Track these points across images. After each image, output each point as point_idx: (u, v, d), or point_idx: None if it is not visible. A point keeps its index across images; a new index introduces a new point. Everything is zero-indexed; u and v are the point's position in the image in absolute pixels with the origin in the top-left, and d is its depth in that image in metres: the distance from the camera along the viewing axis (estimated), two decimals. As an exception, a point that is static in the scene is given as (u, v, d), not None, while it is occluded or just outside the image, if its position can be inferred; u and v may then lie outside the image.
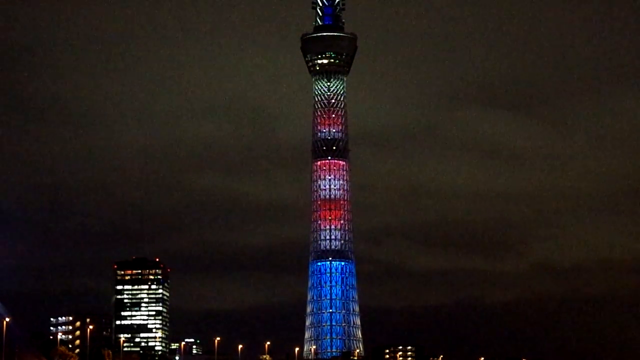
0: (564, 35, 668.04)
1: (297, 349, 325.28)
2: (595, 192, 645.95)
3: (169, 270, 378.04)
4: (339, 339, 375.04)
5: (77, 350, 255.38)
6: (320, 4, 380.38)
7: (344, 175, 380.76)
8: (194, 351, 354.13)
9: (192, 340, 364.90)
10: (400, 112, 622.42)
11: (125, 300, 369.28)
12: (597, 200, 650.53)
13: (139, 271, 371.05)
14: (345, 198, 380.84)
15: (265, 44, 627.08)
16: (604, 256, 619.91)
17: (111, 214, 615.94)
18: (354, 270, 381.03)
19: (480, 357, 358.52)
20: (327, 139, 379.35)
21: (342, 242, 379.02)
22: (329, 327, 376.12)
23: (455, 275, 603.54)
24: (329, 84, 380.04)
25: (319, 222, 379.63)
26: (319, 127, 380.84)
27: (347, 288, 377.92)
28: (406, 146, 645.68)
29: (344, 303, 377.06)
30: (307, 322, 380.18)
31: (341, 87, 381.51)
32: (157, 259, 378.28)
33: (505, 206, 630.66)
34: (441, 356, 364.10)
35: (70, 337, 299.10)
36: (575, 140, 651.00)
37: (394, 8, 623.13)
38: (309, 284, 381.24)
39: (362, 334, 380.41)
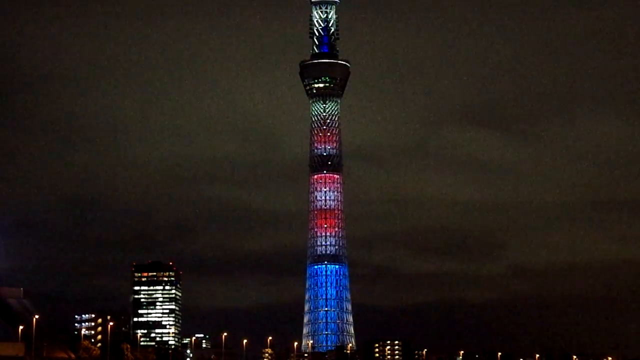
0: (538, 63, 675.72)
1: (295, 344, 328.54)
2: (564, 202, 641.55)
3: (181, 272, 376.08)
4: (334, 334, 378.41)
5: (99, 345, 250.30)
6: (317, 34, 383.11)
7: (338, 188, 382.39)
8: (204, 345, 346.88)
9: (202, 335, 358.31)
10: (390, 131, 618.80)
11: (142, 300, 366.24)
12: (567, 210, 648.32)
13: (154, 273, 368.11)
14: (340, 208, 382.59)
15: (268, 70, 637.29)
16: (572, 260, 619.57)
17: (130, 221, 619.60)
18: (347, 273, 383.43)
19: (460, 351, 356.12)
20: (323, 155, 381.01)
21: (337, 247, 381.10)
22: (324, 323, 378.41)
23: (439, 277, 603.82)
24: (324, 105, 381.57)
25: (316, 229, 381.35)
26: (315, 145, 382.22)
27: (341, 289, 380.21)
28: (395, 161, 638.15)
29: (338, 302, 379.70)
30: (305, 320, 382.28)
31: (335, 109, 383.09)
32: (171, 263, 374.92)
33: (484, 215, 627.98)
34: (425, 350, 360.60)
35: (92, 332, 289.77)
36: (547, 156, 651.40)
37: (383, 38, 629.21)
38: (307, 285, 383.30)
39: (354, 330, 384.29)
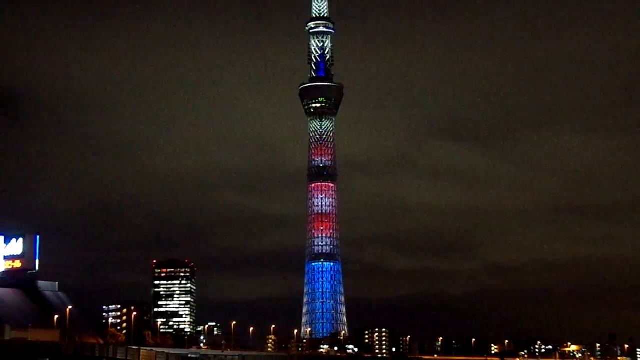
0: (511, 84, 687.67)
1: (296, 331, 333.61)
2: (532, 208, 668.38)
3: (196, 269, 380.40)
4: (329, 323, 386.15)
5: (124, 332, 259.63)
6: (315, 60, 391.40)
7: (333, 195, 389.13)
8: (215, 332, 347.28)
9: (214, 324, 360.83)
10: (378, 144, 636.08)
11: (162, 292, 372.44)
12: (534, 214, 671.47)
13: (173, 269, 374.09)
14: (334, 212, 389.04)
15: (272, 92, 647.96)
16: (539, 258, 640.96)
17: (151, 224, 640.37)
18: (340, 269, 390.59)
19: (440, 337, 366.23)
20: (320, 166, 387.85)
21: (332, 247, 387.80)
22: (321, 314, 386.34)
23: (422, 273, 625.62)
24: (321, 123, 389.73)
25: (313, 231, 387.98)
26: (313, 157, 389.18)
27: (335, 283, 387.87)
28: (383, 171, 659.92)
29: (332, 295, 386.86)
30: (304, 310, 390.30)
31: (331, 125, 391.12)
32: (187, 260, 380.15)
33: (462, 218, 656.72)
34: (409, 337, 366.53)
35: (118, 321, 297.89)
36: (517, 166, 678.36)
37: (372, 63, 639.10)
38: (305, 280, 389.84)
39: (347, 319, 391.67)
